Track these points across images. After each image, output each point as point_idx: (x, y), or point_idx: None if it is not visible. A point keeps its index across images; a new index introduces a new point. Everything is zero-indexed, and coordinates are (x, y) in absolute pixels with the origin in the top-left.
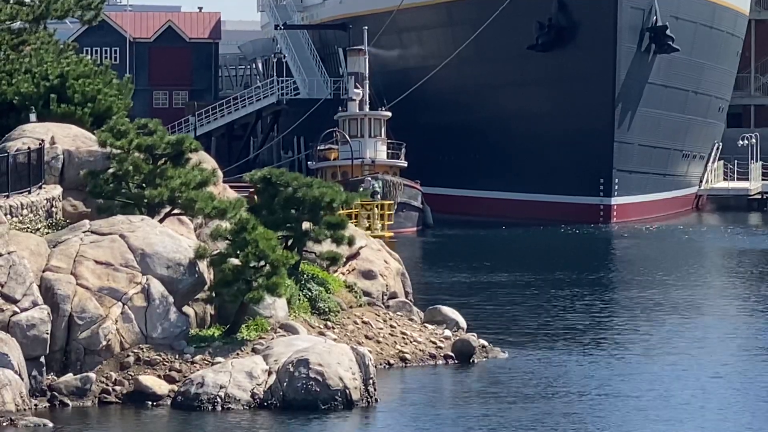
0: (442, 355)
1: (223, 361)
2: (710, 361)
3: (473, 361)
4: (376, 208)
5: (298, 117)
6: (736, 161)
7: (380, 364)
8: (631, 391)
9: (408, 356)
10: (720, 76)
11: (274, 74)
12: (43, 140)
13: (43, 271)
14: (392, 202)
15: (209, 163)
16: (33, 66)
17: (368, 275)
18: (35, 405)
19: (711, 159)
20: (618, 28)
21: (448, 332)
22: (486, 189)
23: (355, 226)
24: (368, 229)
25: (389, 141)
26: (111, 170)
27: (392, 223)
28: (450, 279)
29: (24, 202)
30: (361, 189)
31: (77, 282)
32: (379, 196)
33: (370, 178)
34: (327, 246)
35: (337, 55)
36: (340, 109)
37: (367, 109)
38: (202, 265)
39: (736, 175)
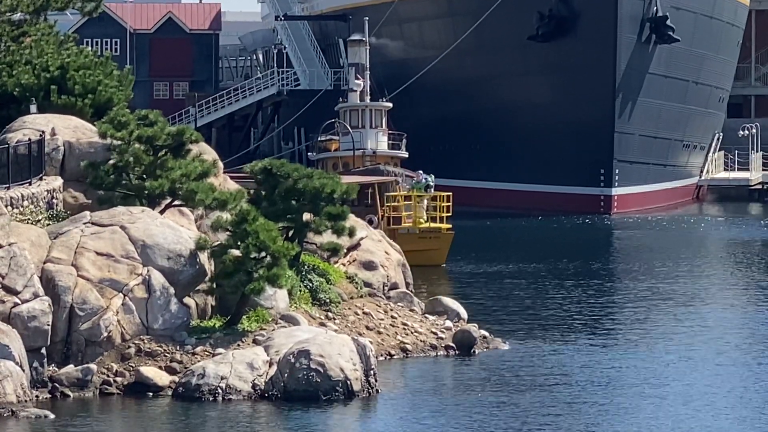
0: (443, 346)
1: (224, 352)
2: (711, 350)
3: (474, 352)
4: (432, 200)
5: (299, 108)
6: (736, 151)
7: (381, 355)
8: (632, 381)
9: (409, 347)
10: (720, 66)
11: (275, 65)
12: (43, 131)
13: (44, 263)
14: (450, 194)
15: (210, 154)
16: (33, 57)
17: (369, 266)
18: (36, 396)
19: (711, 149)
20: (618, 18)
21: (449, 323)
22: (486, 180)
23: (414, 217)
24: (424, 221)
25: (390, 132)
26: (111, 161)
27: (450, 215)
28: (451, 269)
29: (25, 193)
30: (414, 182)
31: (78, 273)
32: (432, 189)
33: (421, 172)
34: (328, 237)
35: (338, 46)
36: (340, 100)
37: (368, 100)
38: (203, 257)
39: (736, 166)
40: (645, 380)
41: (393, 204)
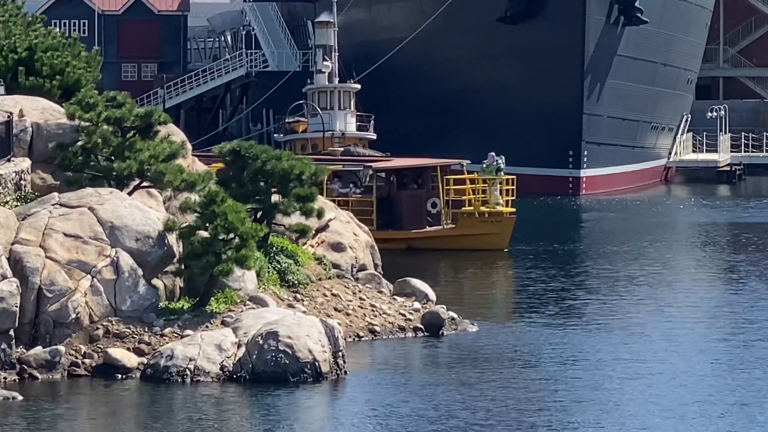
0: (412, 327)
1: (193, 333)
2: (677, 330)
3: (442, 333)
4: (499, 183)
5: (267, 89)
6: (704, 133)
7: (349, 337)
8: (601, 362)
9: (377, 328)
10: (689, 48)
11: (243, 47)
12: (11, 113)
13: (12, 244)
14: (515, 177)
15: (178, 135)
16: (1, 39)
17: (337, 248)
18: (4, 378)
19: (680, 131)
20: None
21: (417, 305)
22: None
23: (479, 200)
24: (487, 203)
25: (358, 113)
26: (80, 143)
27: (515, 198)
28: (419, 251)
29: None
30: (485, 165)
31: (46, 255)
32: (503, 172)
33: (493, 154)
34: (296, 218)
35: (306, 28)
36: (308, 81)
37: (336, 82)
38: (171, 238)
39: (704, 147)
40: (613, 359)
41: (457, 187)
